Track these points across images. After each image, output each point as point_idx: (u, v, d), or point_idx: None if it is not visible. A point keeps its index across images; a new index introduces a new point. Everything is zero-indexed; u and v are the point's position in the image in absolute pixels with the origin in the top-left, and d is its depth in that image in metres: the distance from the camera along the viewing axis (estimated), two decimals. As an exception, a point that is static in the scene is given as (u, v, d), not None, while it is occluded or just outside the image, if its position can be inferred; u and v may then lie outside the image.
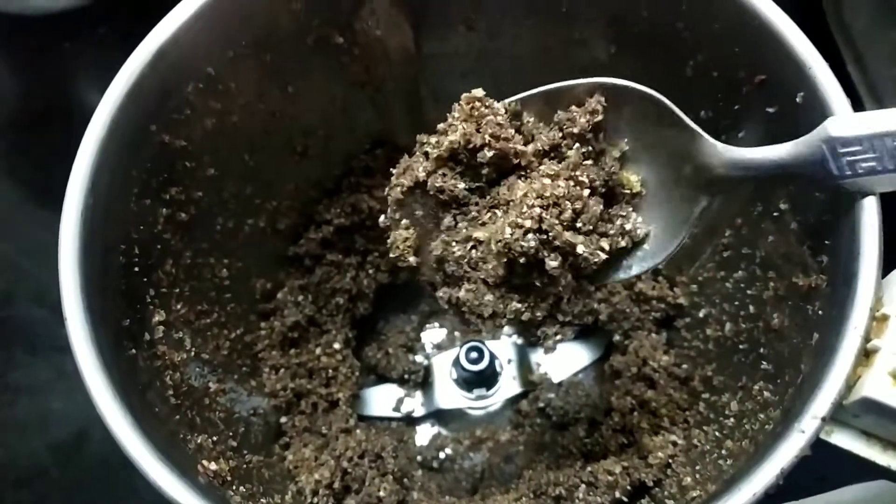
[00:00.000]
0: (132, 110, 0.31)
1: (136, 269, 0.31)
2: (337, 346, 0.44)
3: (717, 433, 0.33)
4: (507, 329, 0.46)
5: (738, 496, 0.23)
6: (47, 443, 0.52)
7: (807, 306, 0.29)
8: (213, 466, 0.28)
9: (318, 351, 0.43)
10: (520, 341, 0.47)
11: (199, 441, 0.29)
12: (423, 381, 0.47)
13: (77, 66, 0.64)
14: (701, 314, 0.40)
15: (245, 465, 0.33)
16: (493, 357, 0.45)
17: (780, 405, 0.27)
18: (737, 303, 0.36)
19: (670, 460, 0.36)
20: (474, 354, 0.45)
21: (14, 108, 0.63)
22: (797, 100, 0.30)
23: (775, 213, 0.33)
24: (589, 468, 0.37)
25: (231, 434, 0.34)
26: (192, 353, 0.33)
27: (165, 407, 0.29)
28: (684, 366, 0.40)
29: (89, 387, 0.24)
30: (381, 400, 0.47)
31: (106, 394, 0.24)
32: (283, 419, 0.40)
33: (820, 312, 0.28)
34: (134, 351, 0.29)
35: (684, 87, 0.36)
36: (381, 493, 0.37)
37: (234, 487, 0.29)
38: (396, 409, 0.47)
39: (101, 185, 0.29)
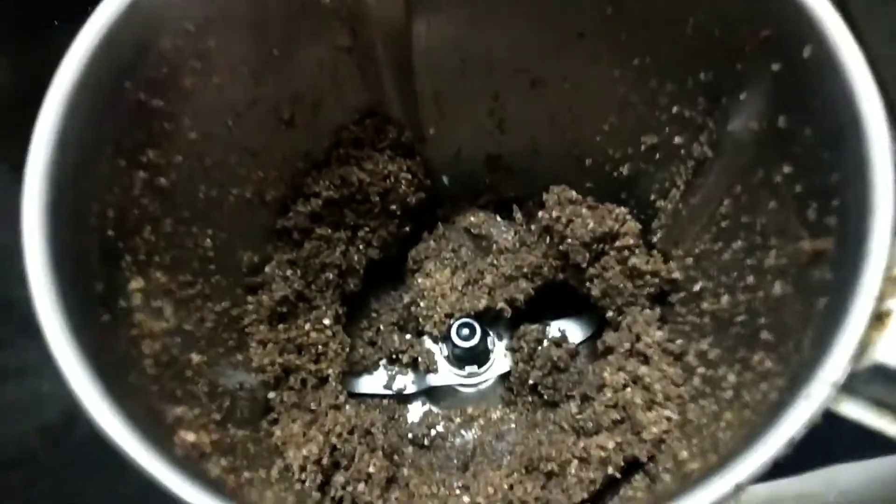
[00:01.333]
0: (105, 64, 0.28)
1: (111, 232, 0.29)
2: (327, 321, 0.42)
3: (713, 406, 0.31)
4: (500, 305, 0.44)
5: (745, 465, 0.21)
6: (36, 426, 0.50)
7: (812, 271, 0.27)
8: (190, 438, 0.26)
9: (307, 326, 0.41)
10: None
11: (178, 413, 0.27)
12: (413, 359, 0.45)
13: (67, 45, 0.61)
14: (696, 288, 0.37)
15: (229, 439, 0.31)
16: (484, 333, 0.44)
17: (786, 373, 0.25)
18: (735, 274, 0.34)
19: (664, 435, 0.34)
20: (466, 331, 0.43)
21: (2, 88, 0.60)
22: (804, 54, 0.28)
23: (777, 179, 0.31)
24: (581, 444, 0.35)
25: (215, 407, 0.32)
26: (174, 324, 0.31)
27: (142, 376, 0.27)
28: (678, 341, 0.38)
29: (52, 347, 0.22)
30: (372, 377, 0.45)
31: (71, 356, 0.22)
32: (271, 395, 0.38)
33: (828, 276, 0.25)
34: (108, 317, 0.26)
35: (684, 49, 0.34)
36: (371, 469, 0.35)
37: (213, 460, 0.27)
38: (387, 386, 0.45)
39: (70, 141, 0.27)
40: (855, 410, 0.23)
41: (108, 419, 0.22)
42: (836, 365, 0.22)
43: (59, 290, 0.24)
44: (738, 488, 0.20)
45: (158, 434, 0.24)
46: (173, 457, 0.22)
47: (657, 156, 0.39)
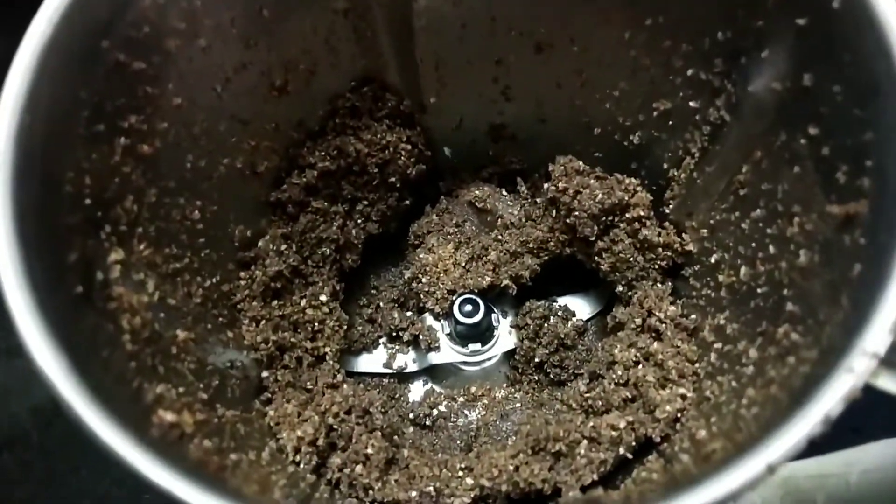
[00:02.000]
0: (79, 21, 0.26)
1: (89, 201, 0.26)
2: (323, 298, 0.40)
3: (733, 383, 0.29)
4: (505, 282, 0.42)
5: (778, 444, 0.18)
6: (28, 406, 0.49)
7: (843, 237, 0.24)
8: (170, 417, 0.23)
9: (303, 303, 0.39)
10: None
11: (158, 391, 0.25)
12: (415, 336, 0.43)
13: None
14: (712, 260, 0.35)
15: (217, 420, 0.29)
16: (488, 310, 0.42)
17: (815, 346, 0.23)
18: (754, 244, 0.31)
19: (679, 414, 0.32)
20: (469, 307, 0.41)
21: None
22: (833, 5, 0.25)
23: (802, 142, 0.28)
24: (591, 423, 0.33)
25: (202, 386, 0.30)
26: (156, 298, 0.29)
27: (118, 352, 0.25)
28: (693, 316, 0.36)
29: (14, 317, 0.20)
30: (372, 356, 0.43)
31: (34, 328, 0.20)
32: (265, 373, 0.36)
33: (862, 241, 0.23)
34: (81, 290, 0.24)
35: (700, 6, 0.31)
36: (369, 451, 0.33)
37: (195, 442, 0.24)
38: (387, 365, 0.43)
39: (40, 103, 0.24)
40: (894, 385, 0.21)
41: (72, 394, 0.19)
42: (876, 335, 0.19)
43: (24, 260, 0.21)
44: (771, 469, 0.18)
45: (134, 412, 0.22)
46: (147, 437, 0.20)
47: (670, 122, 0.36)
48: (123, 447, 0.19)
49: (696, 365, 0.34)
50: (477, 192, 0.43)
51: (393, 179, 0.41)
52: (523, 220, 0.42)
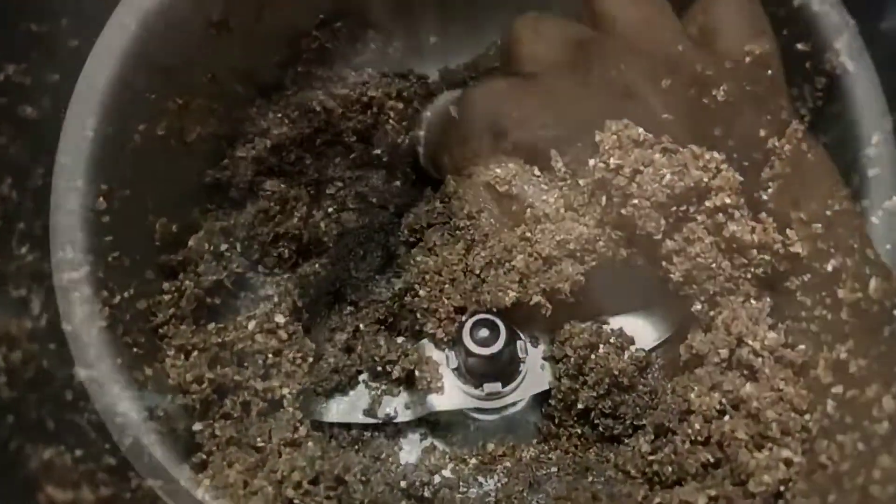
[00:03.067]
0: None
1: (-53, 187, 0.26)
2: (280, 318, 0.40)
3: (860, 445, 0.29)
4: (536, 299, 0.42)
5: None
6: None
7: None
8: (62, 496, 0.23)
9: (251, 326, 0.39)
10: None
11: (46, 456, 0.25)
12: (408, 372, 0.43)
13: None
14: (829, 267, 0.35)
15: (129, 495, 0.29)
16: (511, 336, 0.41)
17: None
18: (889, 247, 0.32)
19: (782, 487, 0.32)
20: (485, 332, 0.41)
21: None
22: None
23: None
24: (657, 499, 0.34)
25: (108, 447, 0.30)
26: (43, 324, 0.29)
27: (-11, 403, 0.25)
28: (801, 346, 0.36)
29: None
30: (348, 399, 0.43)
31: None
32: (198, 426, 0.36)
33: None
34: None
35: None
36: (344, 538, 0.33)
37: (97, 529, 0.25)
38: (370, 412, 0.43)
39: None
40: None
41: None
42: None
43: None
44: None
45: (9, 491, 0.21)
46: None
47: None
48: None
49: (807, 417, 0.34)
50: (497, 170, 0.43)
51: (378, 151, 0.42)
52: (561, 210, 0.42)
